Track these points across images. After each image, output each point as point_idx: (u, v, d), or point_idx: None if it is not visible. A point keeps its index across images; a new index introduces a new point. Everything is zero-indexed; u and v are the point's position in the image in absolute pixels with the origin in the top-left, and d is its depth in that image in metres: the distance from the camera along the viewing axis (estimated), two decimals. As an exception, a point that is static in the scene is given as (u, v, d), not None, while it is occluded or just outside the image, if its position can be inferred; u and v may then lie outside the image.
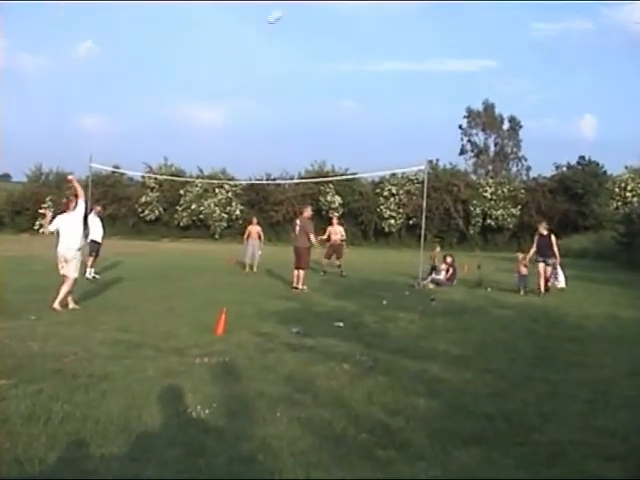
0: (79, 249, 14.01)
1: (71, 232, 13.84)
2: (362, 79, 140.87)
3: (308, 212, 20.02)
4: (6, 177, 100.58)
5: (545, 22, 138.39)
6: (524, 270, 19.36)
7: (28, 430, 5.90)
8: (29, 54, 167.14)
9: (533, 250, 19.64)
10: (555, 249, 19.56)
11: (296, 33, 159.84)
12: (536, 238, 19.86)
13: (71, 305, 13.74)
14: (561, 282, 20.17)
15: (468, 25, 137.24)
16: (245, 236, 26.31)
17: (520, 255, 21.20)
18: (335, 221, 27.10)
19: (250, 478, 5.12)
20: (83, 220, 14.57)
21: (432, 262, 21.69)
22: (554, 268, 19.77)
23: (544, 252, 19.38)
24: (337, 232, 25.57)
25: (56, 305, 13.29)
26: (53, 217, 14.45)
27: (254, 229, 26.21)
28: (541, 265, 19.20)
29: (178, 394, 7.24)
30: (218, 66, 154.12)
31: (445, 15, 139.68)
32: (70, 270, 13.72)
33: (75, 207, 14.14)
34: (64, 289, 13.56)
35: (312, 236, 18.98)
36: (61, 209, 14.93)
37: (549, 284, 19.42)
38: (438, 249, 22.33)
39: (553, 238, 19.66)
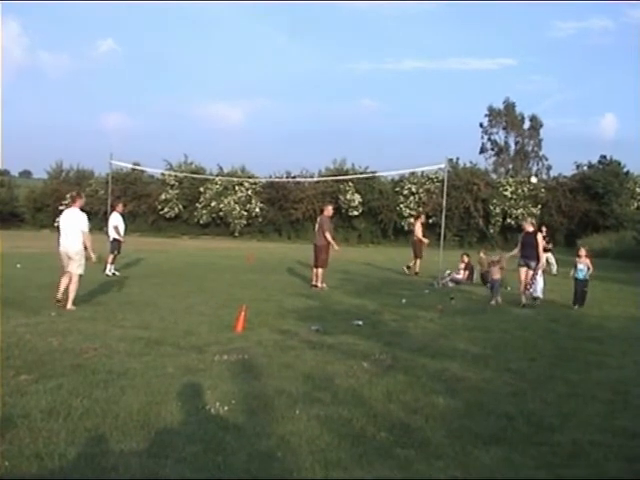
0: (82, 246, 13.45)
1: (72, 229, 13.47)
2: (382, 78, 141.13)
3: (328, 210, 20.00)
4: (27, 174, 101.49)
5: (566, 21, 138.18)
6: (497, 274, 16.62)
7: (48, 425, 5.93)
8: (50, 52, 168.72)
9: (516, 250, 17.01)
10: (540, 251, 16.69)
11: (316, 32, 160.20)
12: (520, 236, 17.28)
13: (69, 306, 13.07)
14: (537, 291, 16.78)
15: (489, 24, 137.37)
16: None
17: (483, 254, 20.26)
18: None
19: (269, 475, 5.12)
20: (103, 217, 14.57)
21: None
22: (534, 274, 16.55)
23: (528, 253, 16.57)
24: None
25: (70, 306, 13.02)
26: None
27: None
28: (523, 270, 16.49)
29: (197, 391, 7.25)
30: (238, 65, 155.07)
31: (466, 14, 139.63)
32: (74, 267, 13.40)
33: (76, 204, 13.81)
34: (72, 288, 13.24)
35: (328, 234, 18.92)
36: (67, 204, 14.67)
37: (527, 292, 16.52)
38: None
39: (539, 237, 16.85)
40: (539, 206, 48.21)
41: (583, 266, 16.54)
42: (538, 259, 16.51)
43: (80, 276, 13.46)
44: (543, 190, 49.21)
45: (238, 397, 7.07)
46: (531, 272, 16.37)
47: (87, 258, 13.51)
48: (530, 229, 16.92)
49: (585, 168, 51.24)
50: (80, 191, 17.75)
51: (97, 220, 45.88)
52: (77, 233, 13.37)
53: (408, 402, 7.19)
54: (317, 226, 19.53)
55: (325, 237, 18.88)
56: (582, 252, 16.99)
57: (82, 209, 13.78)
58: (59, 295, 13.27)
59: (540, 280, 16.93)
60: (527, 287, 16.38)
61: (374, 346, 10.10)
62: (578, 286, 16.29)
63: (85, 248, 13.41)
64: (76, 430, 5.85)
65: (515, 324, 12.78)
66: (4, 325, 10.64)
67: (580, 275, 16.42)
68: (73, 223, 13.45)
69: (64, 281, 13.44)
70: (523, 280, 16.34)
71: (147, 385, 7.41)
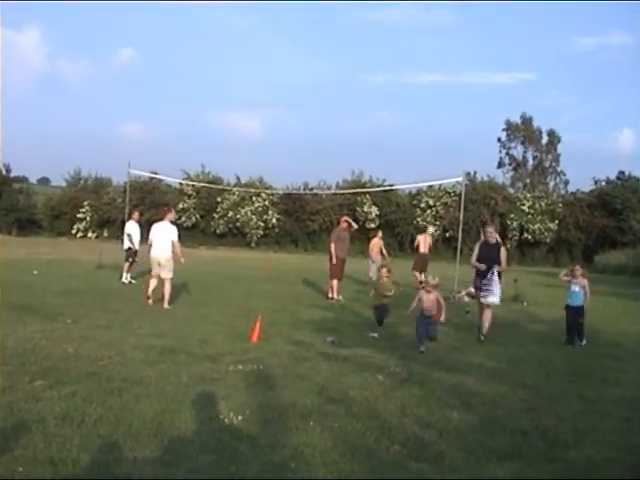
0: (171, 254, 15.41)
1: (164, 239, 15.39)
2: (399, 91, 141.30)
3: (343, 223, 19.96)
4: (45, 181, 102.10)
5: (584, 36, 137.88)
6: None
7: (62, 431, 5.94)
8: (70, 61, 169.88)
9: (473, 259, 13.16)
10: (503, 264, 12.88)
11: (332, 44, 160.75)
12: (477, 246, 13.47)
13: (165, 305, 14.93)
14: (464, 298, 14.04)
15: (507, 38, 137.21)
16: (370, 250, 25.57)
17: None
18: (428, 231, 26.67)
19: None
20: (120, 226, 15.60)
21: (517, 291, 19.92)
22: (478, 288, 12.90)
23: (485, 270, 12.65)
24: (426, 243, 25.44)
25: (166, 305, 14.87)
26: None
27: (378, 243, 25.56)
28: (478, 290, 13.06)
29: (211, 400, 7.25)
30: (255, 76, 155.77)
31: (483, 28, 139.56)
32: (165, 272, 15.23)
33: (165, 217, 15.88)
34: (167, 290, 15.09)
35: (332, 246, 18.89)
36: (156, 218, 16.63)
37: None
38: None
39: (503, 251, 13.06)
40: (556, 221, 48.02)
41: (578, 288, 12.84)
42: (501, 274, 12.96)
43: (171, 279, 15.37)
44: (560, 205, 49.02)
45: (252, 407, 7.06)
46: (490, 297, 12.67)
47: (177, 262, 15.51)
48: (492, 239, 13.18)
49: (603, 184, 51.02)
50: (170, 206, 19.43)
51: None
52: (168, 243, 15.35)
53: (422, 416, 7.17)
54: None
55: (336, 249, 18.82)
56: (577, 270, 13.10)
57: (171, 222, 15.86)
58: (149, 292, 15.35)
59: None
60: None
61: (389, 359, 10.08)
62: (570, 316, 12.78)
63: (175, 254, 15.44)
64: (90, 437, 5.86)
65: (531, 339, 12.72)
66: (20, 331, 10.69)
67: (574, 301, 12.84)
68: (165, 234, 15.44)
69: (152, 282, 15.49)
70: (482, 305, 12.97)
71: (161, 393, 7.42)
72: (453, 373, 9.35)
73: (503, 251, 13.07)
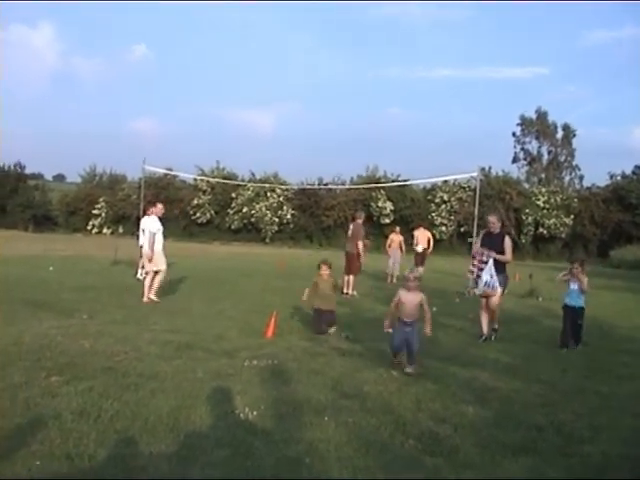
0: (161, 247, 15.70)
1: (149, 234, 15.56)
2: (412, 86, 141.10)
3: (361, 217, 19.98)
4: (61, 177, 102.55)
5: (598, 29, 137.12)
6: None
7: (79, 426, 5.98)
8: (84, 58, 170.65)
9: (476, 250, 12.37)
10: (507, 255, 11.97)
11: (346, 38, 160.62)
12: (480, 236, 12.86)
13: (151, 296, 15.19)
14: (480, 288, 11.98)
15: (521, 32, 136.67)
16: (387, 245, 25.56)
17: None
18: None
19: (297, 481, 5.13)
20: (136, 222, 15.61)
21: (532, 286, 20.26)
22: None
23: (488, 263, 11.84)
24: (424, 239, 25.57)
25: (152, 296, 15.11)
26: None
27: (397, 238, 25.50)
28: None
29: (227, 396, 7.27)
30: (269, 72, 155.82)
31: (497, 22, 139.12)
32: (156, 265, 15.43)
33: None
34: (157, 280, 15.35)
35: (360, 243, 18.93)
36: (146, 213, 16.54)
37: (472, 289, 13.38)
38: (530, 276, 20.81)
39: (507, 241, 12.17)
40: (572, 216, 47.86)
41: (576, 286, 11.75)
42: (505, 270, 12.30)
43: (165, 271, 15.70)
44: (576, 200, 48.84)
45: (267, 402, 7.08)
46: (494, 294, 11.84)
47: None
48: (494, 229, 12.26)
49: (619, 178, 50.84)
50: (155, 201, 19.27)
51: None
52: (153, 237, 15.54)
53: (437, 411, 7.17)
54: (349, 233, 19.54)
55: (357, 245, 18.88)
56: (576, 269, 11.78)
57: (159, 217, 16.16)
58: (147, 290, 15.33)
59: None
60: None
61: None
62: (568, 317, 11.72)
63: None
64: (106, 432, 5.90)
65: (546, 334, 12.67)
66: (36, 327, 10.74)
67: (573, 300, 11.77)
68: (148, 229, 15.67)
69: (148, 279, 15.49)
70: (485, 307, 12.15)
71: (177, 389, 7.45)
72: (468, 368, 9.34)
73: (507, 241, 12.11)
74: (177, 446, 5.67)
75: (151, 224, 15.61)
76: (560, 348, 11.34)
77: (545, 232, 47.93)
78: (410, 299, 9.19)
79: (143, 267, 20.50)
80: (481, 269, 11.79)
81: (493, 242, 12.01)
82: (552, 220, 47.69)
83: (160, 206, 16.33)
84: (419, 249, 25.20)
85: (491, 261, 11.69)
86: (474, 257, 12.10)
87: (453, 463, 5.62)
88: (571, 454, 6.00)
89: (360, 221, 19.73)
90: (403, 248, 25.23)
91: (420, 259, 25.02)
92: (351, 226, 19.81)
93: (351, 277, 18.63)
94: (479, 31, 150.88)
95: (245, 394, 7.35)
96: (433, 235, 28.32)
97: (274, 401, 7.17)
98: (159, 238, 15.46)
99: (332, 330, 11.85)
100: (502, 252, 11.86)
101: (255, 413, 6.66)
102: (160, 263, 15.40)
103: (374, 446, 5.91)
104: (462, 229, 47.72)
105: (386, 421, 6.65)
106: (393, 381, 8.38)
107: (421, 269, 23.98)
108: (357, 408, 7.09)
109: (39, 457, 5.23)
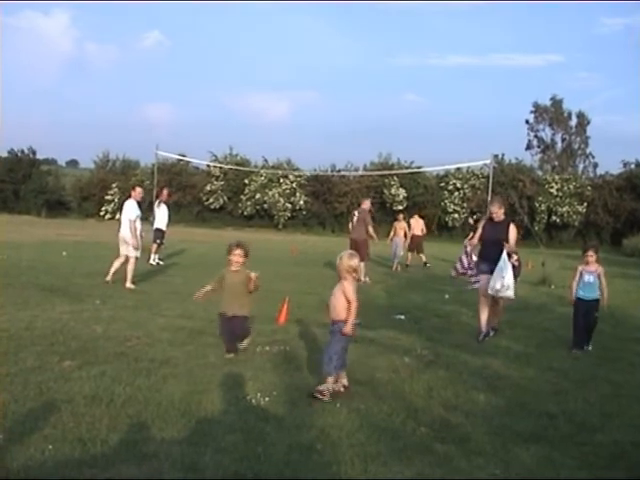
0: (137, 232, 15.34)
1: (126, 218, 15.31)
2: (425, 73, 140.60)
3: (367, 204, 19.91)
4: (74, 163, 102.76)
5: (613, 17, 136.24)
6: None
7: (91, 411, 6.01)
8: (98, 44, 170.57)
9: (475, 240, 11.88)
10: (512, 245, 11.00)
11: (361, 25, 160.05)
12: (481, 224, 11.73)
13: (128, 284, 14.74)
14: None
15: (535, 20, 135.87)
16: (391, 233, 25.16)
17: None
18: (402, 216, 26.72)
19: (308, 467, 5.12)
20: (148, 207, 15.41)
21: (544, 274, 20.12)
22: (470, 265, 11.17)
23: (491, 253, 11.01)
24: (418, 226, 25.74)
25: (129, 284, 14.69)
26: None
27: (400, 225, 25.24)
28: (483, 278, 11.23)
29: (238, 381, 7.29)
30: (282, 58, 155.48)
31: (512, 10, 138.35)
32: (129, 250, 15.09)
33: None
34: (130, 268, 14.94)
35: (370, 228, 18.89)
36: (128, 195, 16.35)
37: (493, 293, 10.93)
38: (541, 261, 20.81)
39: (512, 229, 11.13)
40: (585, 204, 47.64)
41: (593, 278, 10.39)
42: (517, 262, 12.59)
43: (136, 258, 15.27)
44: (589, 188, 48.61)
45: (279, 388, 7.09)
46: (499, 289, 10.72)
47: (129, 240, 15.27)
48: (498, 216, 11.23)
49: (632, 166, 50.52)
50: (136, 185, 19.07)
51: (142, 210, 46.24)
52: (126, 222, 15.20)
53: (449, 398, 7.17)
54: (355, 219, 19.45)
55: (366, 231, 18.83)
56: (590, 255, 10.46)
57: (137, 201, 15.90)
58: (111, 272, 15.15)
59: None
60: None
61: (416, 341, 10.08)
62: (581, 311, 10.46)
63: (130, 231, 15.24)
64: (118, 417, 5.92)
65: (559, 322, 12.63)
66: (49, 312, 10.79)
67: (588, 293, 10.42)
68: (126, 213, 15.31)
69: (117, 262, 15.21)
70: (485, 299, 11.17)
71: (189, 374, 7.47)
72: (480, 356, 9.33)
73: (512, 229, 11.06)
74: (189, 431, 5.68)
75: (129, 211, 15.38)
76: (574, 350, 10.15)
77: (558, 220, 47.66)
78: (335, 293, 7.41)
79: (156, 252, 20.61)
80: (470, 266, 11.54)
81: (497, 231, 11.07)
82: (565, 208, 47.41)
83: (139, 190, 16.21)
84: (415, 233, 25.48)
85: (505, 257, 10.67)
86: (466, 246, 11.86)
87: (464, 450, 5.62)
88: (583, 442, 5.99)
89: (366, 207, 19.67)
90: (408, 235, 25.16)
91: (414, 246, 25.22)
92: (356, 212, 19.73)
93: (361, 264, 18.58)
94: (493, 19, 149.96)
95: (257, 380, 7.37)
96: (442, 222, 28.39)
97: (286, 387, 7.18)
98: (138, 225, 15.31)
99: (244, 345, 8.86)
100: (507, 240, 10.90)
101: (267, 399, 6.67)
102: (130, 251, 15.18)
103: (386, 433, 5.92)
104: (475, 216, 47.54)
105: (398, 408, 6.65)
106: (405, 368, 8.38)
107: (422, 256, 24.76)
108: (369, 395, 7.10)
109: (52, 441, 5.25)
